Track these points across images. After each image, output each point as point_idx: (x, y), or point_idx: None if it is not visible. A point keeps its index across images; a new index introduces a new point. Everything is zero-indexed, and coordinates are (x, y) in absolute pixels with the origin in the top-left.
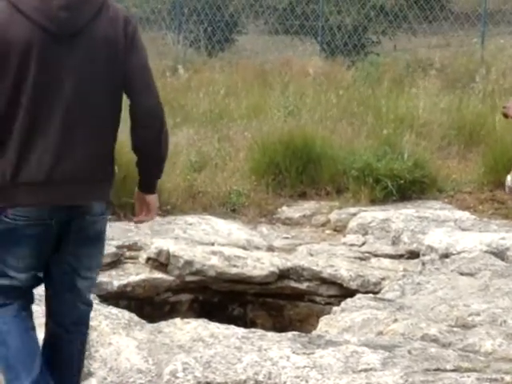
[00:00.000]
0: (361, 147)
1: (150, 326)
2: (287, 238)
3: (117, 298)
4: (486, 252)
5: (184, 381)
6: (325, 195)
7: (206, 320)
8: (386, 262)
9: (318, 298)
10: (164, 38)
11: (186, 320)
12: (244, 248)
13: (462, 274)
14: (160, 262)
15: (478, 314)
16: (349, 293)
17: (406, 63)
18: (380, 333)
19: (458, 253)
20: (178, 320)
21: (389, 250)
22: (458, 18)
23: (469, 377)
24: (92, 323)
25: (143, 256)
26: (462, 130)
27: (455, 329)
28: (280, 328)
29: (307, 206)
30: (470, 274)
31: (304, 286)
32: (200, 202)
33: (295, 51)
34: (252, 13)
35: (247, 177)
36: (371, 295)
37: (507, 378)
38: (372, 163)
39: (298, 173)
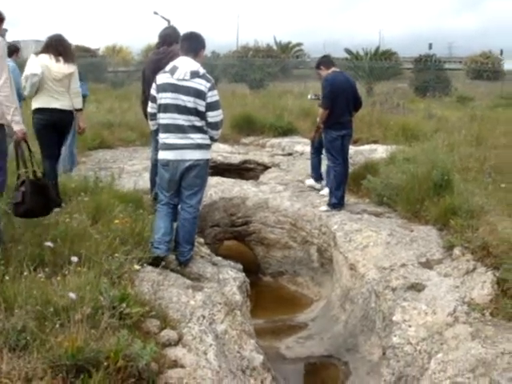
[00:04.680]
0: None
1: None
2: (245, 150)
3: None
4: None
5: (215, 196)
6: (260, 134)
7: (220, 177)
8: (280, 156)
9: (257, 169)
10: None
11: (213, 177)
12: (230, 153)
13: (308, 159)
14: None
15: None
16: (268, 167)
17: None
18: (282, 180)
19: (302, 153)
20: (210, 177)
21: (281, 152)
22: None
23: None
24: None
25: None
26: None
27: (307, 181)
28: (245, 180)
29: (252, 138)
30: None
31: (252, 166)
32: None
33: None
34: None
35: (229, 128)
36: (277, 168)
37: None
38: (274, 122)
39: (248, 126)
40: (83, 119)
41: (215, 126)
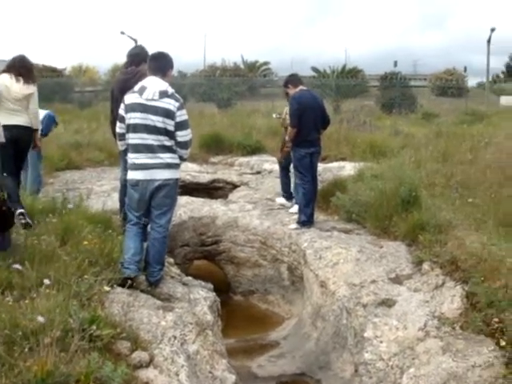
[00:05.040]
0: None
1: None
2: (214, 169)
3: None
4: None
5: (184, 216)
6: (228, 153)
7: (189, 196)
8: (249, 175)
9: (226, 188)
10: None
11: (183, 197)
12: (199, 172)
13: (277, 177)
14: None
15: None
16: (237, 186)
17: None
18: (251, 198)
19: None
20: (180, 197)
21: (249, 171)
22: None
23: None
24: None
25: None
26: None
27: (277, 199)
28: (214, 199)
29: (220, 157)
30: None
31: (221, 185)
32: None
33: None
34: None
35: (198, 147)
36: (246, 186)
37: None
38: (242, 141)
39: (216, 145)
40: (39, 138)
41: (184, 145)
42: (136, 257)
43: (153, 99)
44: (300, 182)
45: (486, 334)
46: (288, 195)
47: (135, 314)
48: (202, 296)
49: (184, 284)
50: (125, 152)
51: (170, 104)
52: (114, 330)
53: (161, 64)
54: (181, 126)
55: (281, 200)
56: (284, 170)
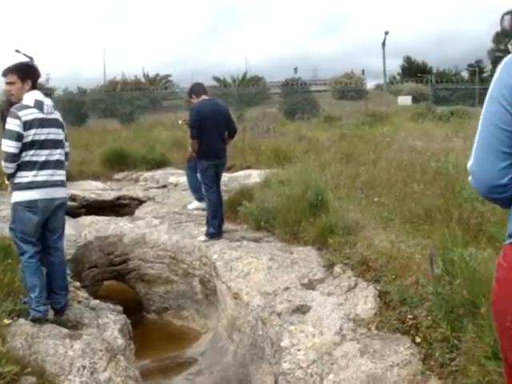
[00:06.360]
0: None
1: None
2: (118, 185)
3: None
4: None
5: (90, 236)
6: (133, 168)
7: (94, 216)
8: (155, 189)
9: (132, 205)
10: None
11: (87, 216)
12: (103, 189)
13: (183, 190)
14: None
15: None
16: (143, 201)
17: None
18: (157, 213)
19: (176, 184)
20: (84, 217)
21: (155, 185)
22: None
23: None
24: None
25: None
26: None
27: (189, 206)
28: (120, 216)
29: (125, 173)
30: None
31: (127, 201)
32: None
33: None
34: None
35: (101, 164)
36: (152, 201)
37: None
38: (146, 155)
39: (120, 161)
40: None
41: (67, 157)
42: (43, 293)
43: (50, 112)
44: (205, 194)
45: (401, 331)
46: (200, 197)
47: (40, 346)
48: (112, 319)
49: (92, 309)
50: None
51: (59, 115)
52: (18, 366)
53: (35, 76)
54: (66, 136)
55: (193, 205)
56: (191, 169)
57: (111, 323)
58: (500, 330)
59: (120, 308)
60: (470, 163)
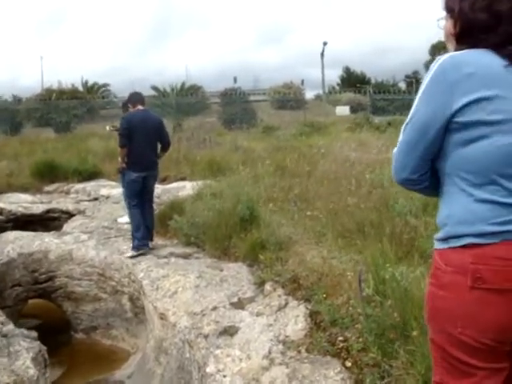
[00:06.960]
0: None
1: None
2: (48, 198)
3: None
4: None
5: (13, 253)
6: (64, 180)
7: (20, 231)
8: (86, 202)
9: (62, 218)
10: None
11: (12, 232)
12: (31, 202)
13: (114, 202)
14: None
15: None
16: (73, 215)
17: None
18: (86, 227)
19: (108, 196)
20: (9, 232)
21: (86, 198)
22: None
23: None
24: None
25: None
26: None
27: (119, 219)
28: (50, 230)
29: (56, 186)
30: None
31: (56, 215)
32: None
33: None
34: None
35: (30, 176)
36: (82, 215)
37: None
38: (78, 166)
39: (51, 172)
40: None
41: None
42: None
43: None
44: (127, 206)
45: (332, 354)
46: None
47: None
48: (24, 347)
49: (3, 336)
50: None
51: None
52: None
53: None
54: None
55: (124, 219)
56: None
57: (23, 351)
58: (448, 343)
59: (35, 334)
60: (395, 149)
